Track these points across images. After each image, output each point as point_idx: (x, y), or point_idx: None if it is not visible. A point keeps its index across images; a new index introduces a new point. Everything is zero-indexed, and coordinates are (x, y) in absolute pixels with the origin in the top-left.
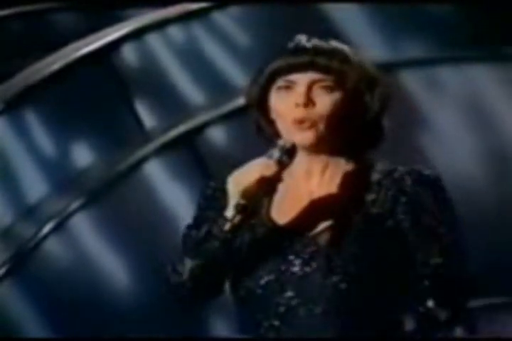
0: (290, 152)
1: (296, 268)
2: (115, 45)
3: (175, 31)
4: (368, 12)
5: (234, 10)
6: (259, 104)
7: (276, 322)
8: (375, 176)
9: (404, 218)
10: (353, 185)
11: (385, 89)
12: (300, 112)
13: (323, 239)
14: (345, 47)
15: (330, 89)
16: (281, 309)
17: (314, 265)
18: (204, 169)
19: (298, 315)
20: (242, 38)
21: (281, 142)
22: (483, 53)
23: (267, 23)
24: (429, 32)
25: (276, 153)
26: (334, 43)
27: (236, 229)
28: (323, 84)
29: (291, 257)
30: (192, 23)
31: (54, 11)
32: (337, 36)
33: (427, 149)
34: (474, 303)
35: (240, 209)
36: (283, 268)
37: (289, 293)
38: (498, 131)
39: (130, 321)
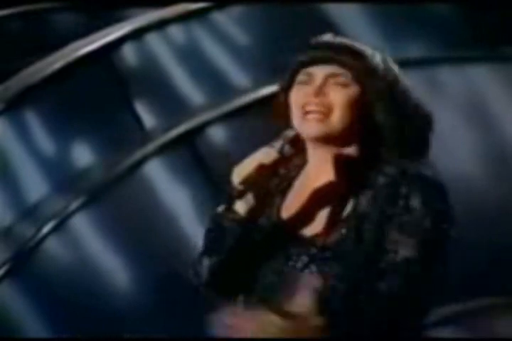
0: (293, 142)
1: (297, 270)
2: (115, 45)
3: (175, 31)
4: (368, 12)
5: (234, 10)
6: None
7: None
8: (381, 179)
9: (390, 220)
10: (355, 186)
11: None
12: (312, 101)
13: (321, 241)
14: (377, 56)
15: (345, 86)
16: None
17: (314, 267)
18: (204, 169)
19: None
20: (242, 37)
21: (285, 133)
22: (483, 53)
23: (267, 23)
24: (429, 32)
25: (278, 144)
26: (364, 47)
27: (240, 220)
28: (340, 80)
29: (294, 258)
30: (192, 23)
31: (54, 11)
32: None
33: None
34: (475, 303)
35: (237, 195)
36: (285, 269)
37: None
38: (498, 131)
39: (130, 321)
